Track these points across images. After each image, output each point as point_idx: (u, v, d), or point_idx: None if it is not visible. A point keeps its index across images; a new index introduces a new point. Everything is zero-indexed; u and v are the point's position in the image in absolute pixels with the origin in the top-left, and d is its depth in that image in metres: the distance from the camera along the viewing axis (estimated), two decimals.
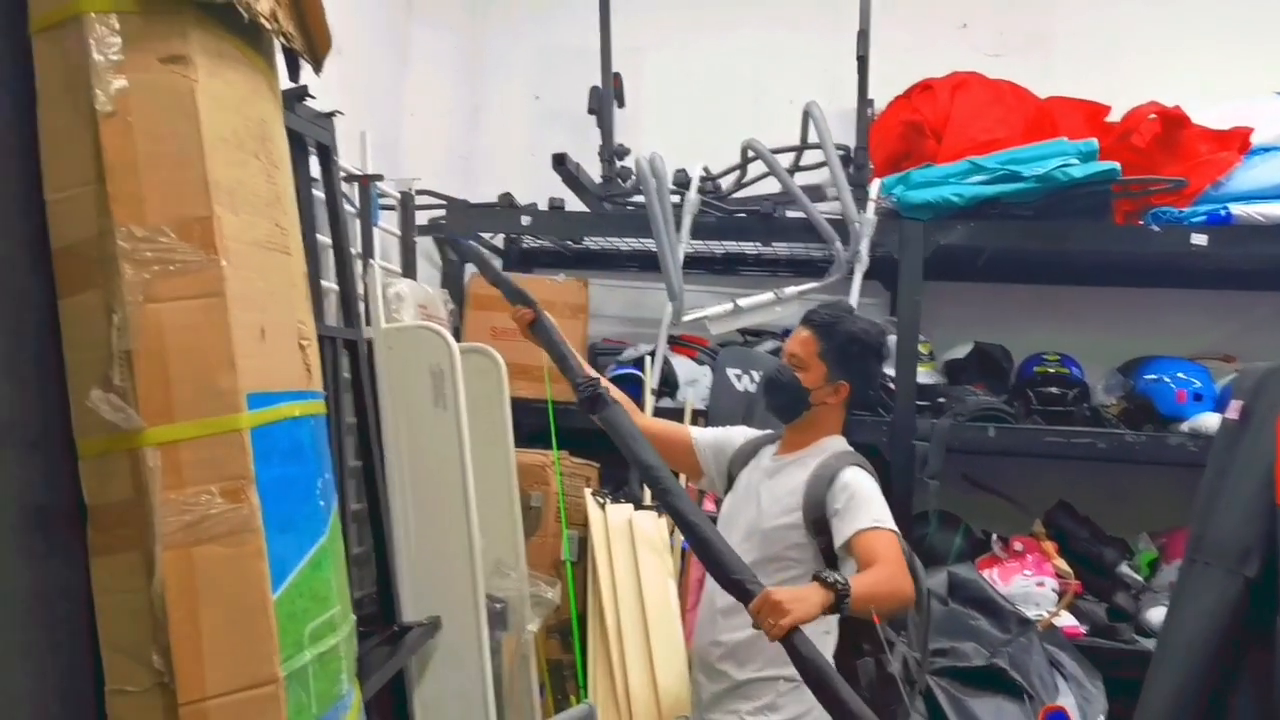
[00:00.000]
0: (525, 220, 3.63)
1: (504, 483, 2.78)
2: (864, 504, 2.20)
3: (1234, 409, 2.50)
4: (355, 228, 2.73)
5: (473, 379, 2.67)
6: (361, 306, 2.49)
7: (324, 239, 2.39)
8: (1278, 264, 3.41)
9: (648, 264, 3.98)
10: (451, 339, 2.50)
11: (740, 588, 1.90)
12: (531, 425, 3.37)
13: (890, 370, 3.53)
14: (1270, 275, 3.43)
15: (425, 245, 3.81)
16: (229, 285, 1.21)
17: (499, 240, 4.11)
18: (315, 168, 2.36)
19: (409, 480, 2.46)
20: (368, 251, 2.66)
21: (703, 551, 1.98)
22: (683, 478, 2.76)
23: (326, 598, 1.39)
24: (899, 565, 2.09)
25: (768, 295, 3.57)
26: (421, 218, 3.70)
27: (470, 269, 3.82)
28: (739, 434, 2.63)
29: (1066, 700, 2.85)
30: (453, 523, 2.46)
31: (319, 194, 2.38)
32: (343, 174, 2.56)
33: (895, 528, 2.19)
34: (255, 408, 1.25)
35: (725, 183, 3.72)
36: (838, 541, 2.19)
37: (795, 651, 1.84)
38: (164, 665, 1.15)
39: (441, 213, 3.67)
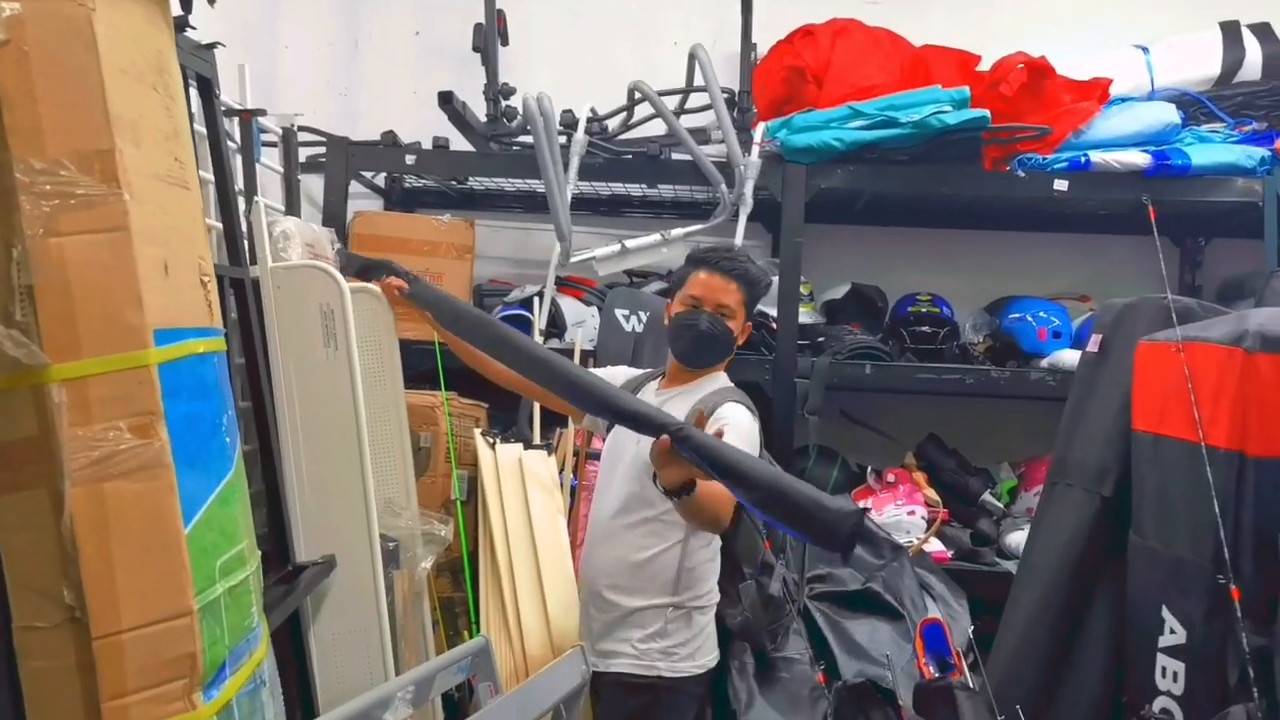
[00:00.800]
0: (409, 159, 3.58)
1: (394, 423, 2.77)
2: (731, 432, 2.19)
3: (1094, 342, 2.68)
4: (237, 164, 2.66)
5: (361, 319, 2.64)
6: (246, 245, 2.44)
7: (206, 175, 2.33)
8: (1132, 209, 3.62)
9: (534, 205, 3.98)
10: (341, 278, 2.46)
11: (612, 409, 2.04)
12: (419, 367, 3.36)
13: (773, 310, 3.64)
14: (1125, 220, 3.64)
15: (306, 184, 3.73)
16: (132, 220, 1.20)
17: (381, 179, 4.05)
18: (195, 101, 2.29)
19: (300, 421, 2.44)
20: (251, 189, 2.60)
21: (560, 380, 2.11)
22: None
23: (235, 533, 1.40)
24: (727, 497, 2.12)
25: (654, 237, 3.62)
26: (301, 155, 3.62)
27: (354, 207, 3.76)
28: (620, 373, 2.67)
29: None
30: (345, 463, 2.44)
31: (200, 129, 2.31)
32: (223, 108, 2.49)
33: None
34: (162, 344, 1.24)
35: (612, 124, 3.74)
36: None
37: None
38: (75, 600, 1.14)
39: (322, 150, 3.59)
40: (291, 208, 2.95)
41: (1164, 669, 2.21)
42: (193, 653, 1.23)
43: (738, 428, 2.27)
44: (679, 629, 2.32)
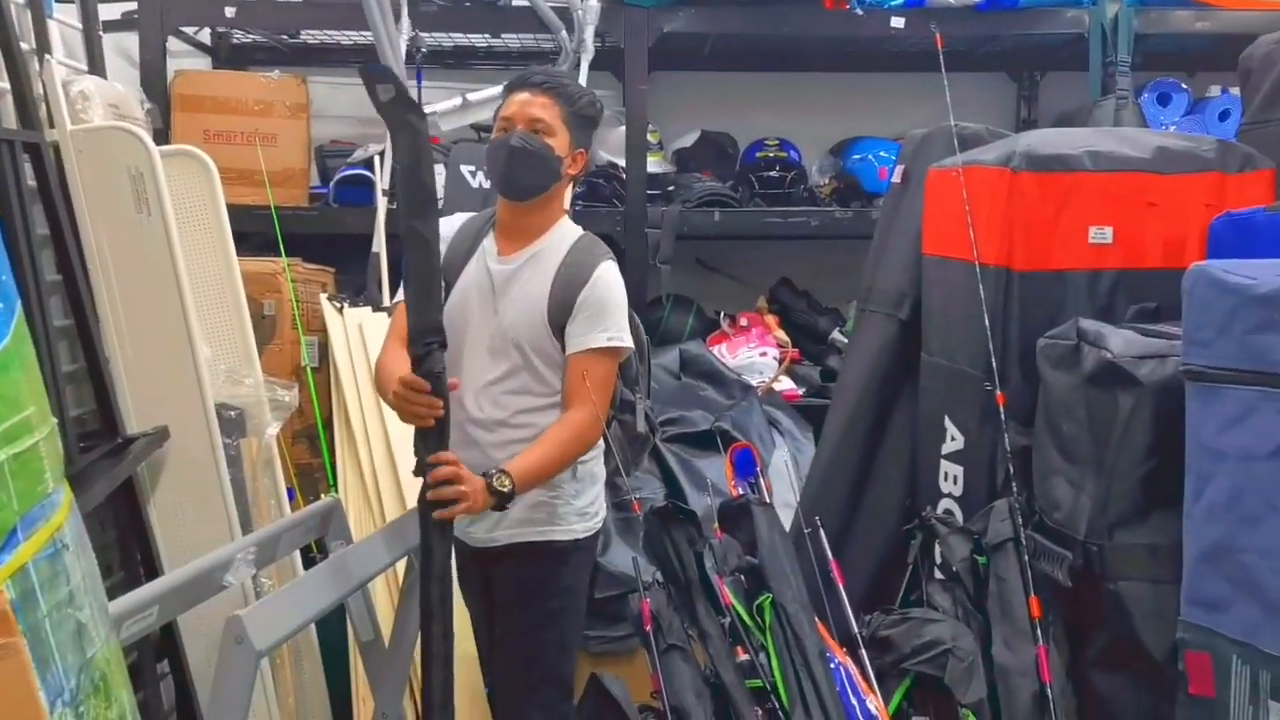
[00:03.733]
0: (229, 11, 3.38)
1: (228, 291, 2.69)
2: (605, 315, 2.08)
3: (898, 173, 2.77)
4: (27, 21, 2.47)
5: (181, 184, 2.54)
6: (43, 108, 2.29)
7: None
8: (968, 45, 3.67)
9: (372, 59, 3.82)
10: (149, 139, 2.35)
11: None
12: (260, 233, 3.26)
13: (621, 160, 3.62)
14: (965, 57, 3.69)
15: (122, 43, 3.50)
16: None
17: (205, 35, 3.83)
18: None
19: (118, 291, 2.35)
20: (43, 46, 2.42)
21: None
22: None
23: (17, 400, 1.36)
24: (590, 419, 2.05)
25: (498, 89, 3.51)
26: (113, 12, 3.39)
27: (180, 65, 3.55)
28: (456, 221, 2.31)
29: (781, 452, 3.17)
30: (171, 331, 2.38)
31: None
32: None
33: (626, 339, 2.11)
34: None
35: None
36: (567, 349, 2.09)
37: (429, 537, 1.92)
38: None
39: (133, 5, 3.36)
40: (95, 67, 2.77)
41: (946, 473, 2.40)
42: None
43: (606, 299, 2.09)
44: (579, 489, 2.18)
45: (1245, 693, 1.61)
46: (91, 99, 2.37)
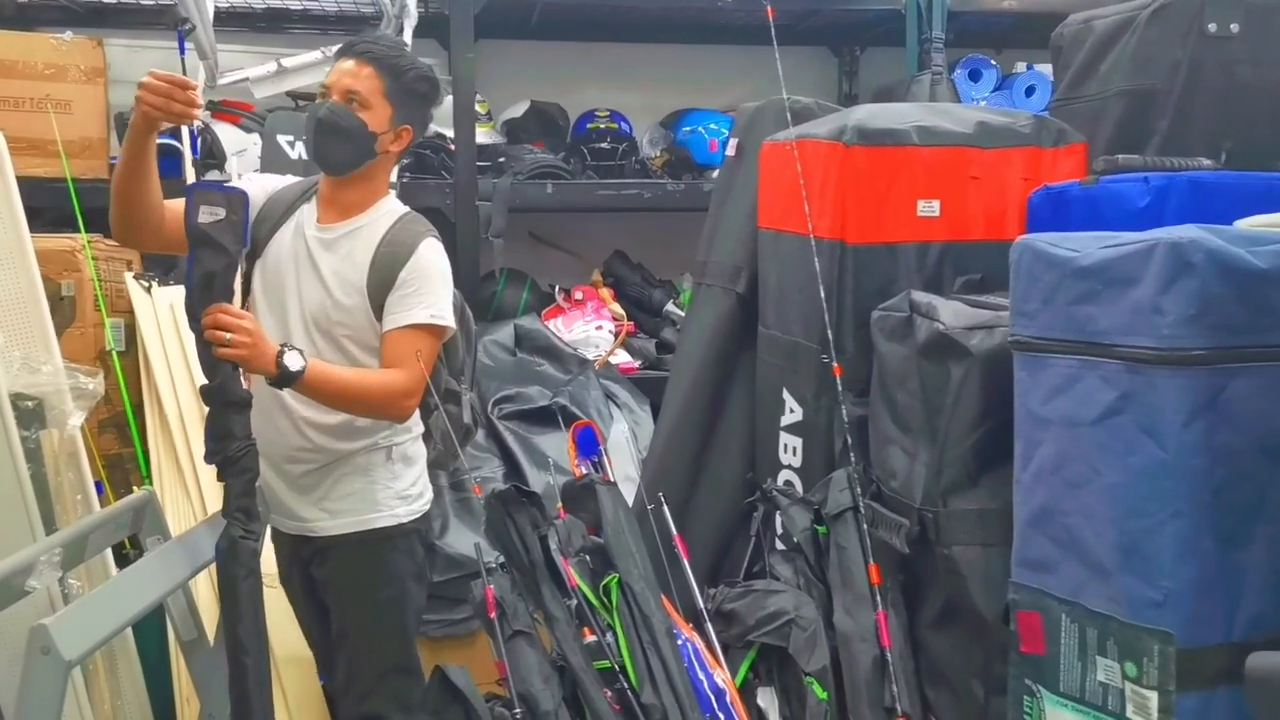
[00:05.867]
0: None
1: (20, 271, 2.47)
2: (428, 292, 2.00)
3: (732, 146, 2.79)
4: None
5: None
6: None
7: None
8: (795, 19, 3.72)
9: (177, 21, 3.57)
10: None
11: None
12: (55, 208, 3.01)
13: (449, 131, 3.51)
14: (791, 30, 3.73)
15: None
16: None
17: None
18: None
19: None
20: None
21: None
22: None
23: None
24: (406, 384, 1.96)
25: (315, 54, 3.36)
26: None
27: None
28: (265, 182, 2.18)
29: (619, 426, 3.17)
30: None
31: None
32: None
33: (449, 319, 2.04)
34: None
35: None
36: (384, 327, 1.99)
37: (216, 390, 1.78)
38: None
39: None
40: None
41: (785, 445, 2.44)
42: None
43: (427, 275, 2.00)
44: (404, 470, 2.10)
45: (1075, 650, 1.69)
46: None
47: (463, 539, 2.65)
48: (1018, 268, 1.81)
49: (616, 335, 3.62)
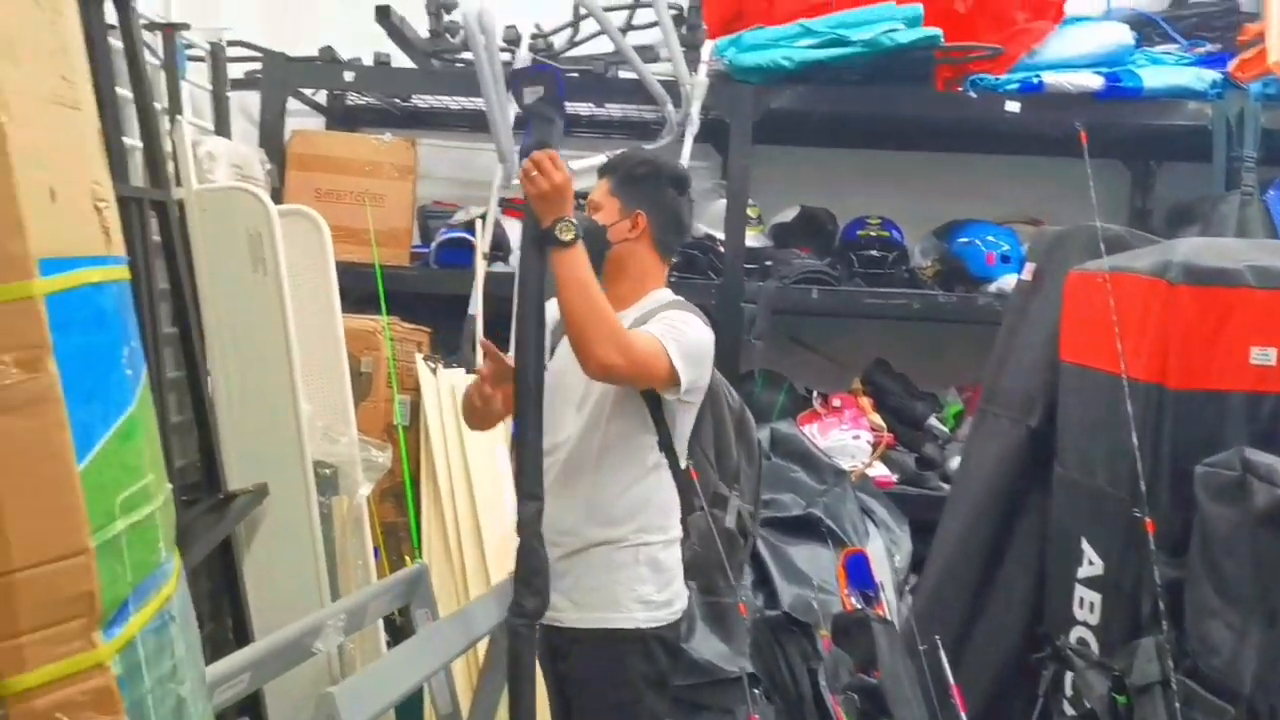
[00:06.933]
0: (349, 76, 3.48)
1: (331, 348, 2.72)
2: (670, 328, 2.05)
3: (1028, 270, 2.67)
4: (161, 82, 2.55)
5: (294, 242, 2.58)
6: (170, 166, 2.35)
7: (125, 93, 2.23)
8: (1092, 132, 3.58)
9: (480, 124, 3.87)
10: (269, 201, 2.39)
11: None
12: (360, 290, 3.30)
13: (719, 233, 3.60)
14: (1076, 142, 3.59)
15: (243, 102, 3.61)
16: (11, 143, 1.12)
17: (321, 97, 3.92)
18: (111, 15, 2.18)
19: (229, 347, 2.39)
20: (174, 107, 2.50)
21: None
22: None
23: (138, 468, 1.35)
24: (627, 337, 1.98)
25: (599, 158, 3.54)
26: (236, 71, 3.49)
27: (295, 124, 3.64)
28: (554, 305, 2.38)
29: (876, 544, 3.06)
30: (277, 389, 2.40)
31: (118, 44, 2.21)
32: (143, 22, 2.38)
33: (679, 363, 2.02)
34: (49, 274, 1.17)
35: (557, 41, 3.63)
36: None
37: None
38: None
39: (257, 66, 3.46)
40: (221, 127, 2.85)
41: (1081, 599, 2.24)
42: (90, 591, 1.19)
43: (671, 318, 2.07)
44: (649, 574, 2.11)
45: None
46: (217, 159, 2.43)
47: (709, 645, 2.62)
48: None
49: (875, 447, 3.54)
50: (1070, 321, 2.43)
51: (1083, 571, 2.26)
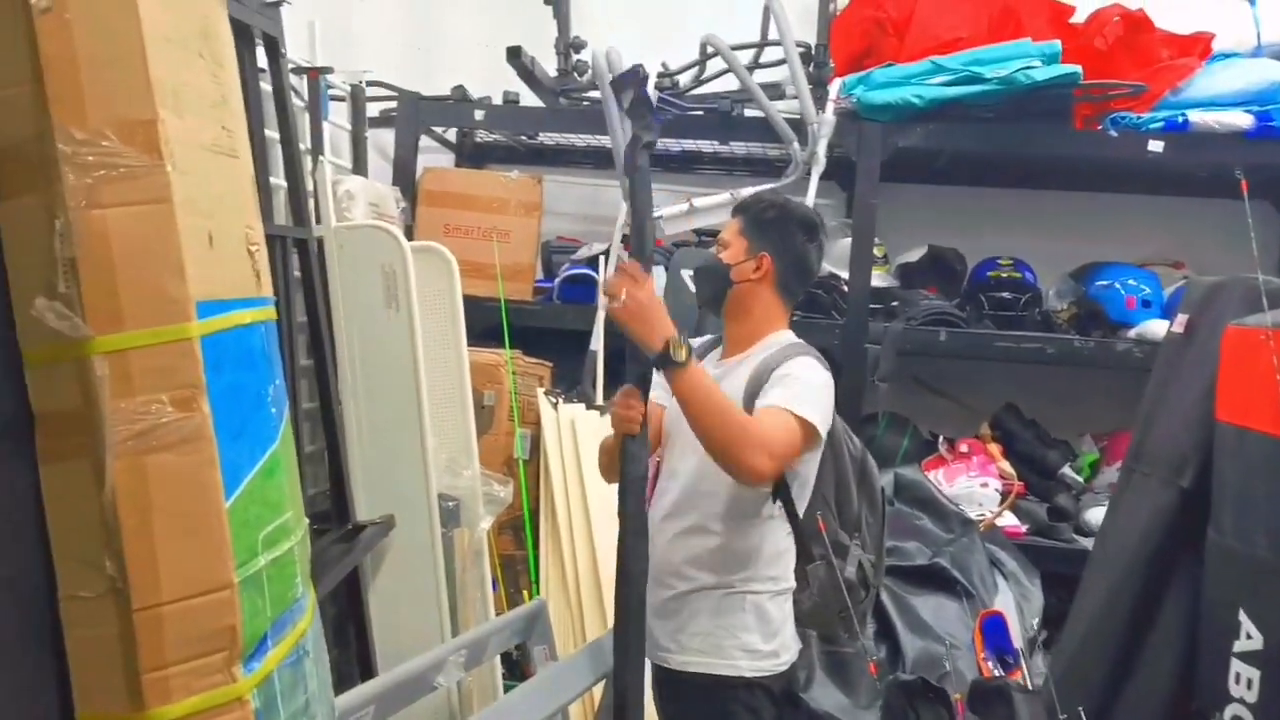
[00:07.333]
0: (479, 114, 3.55)
1: (456, 382, 2.77)
2: (793, 384, 2.01)
3: (1180, 322, 2.53)
4: (304, 122, 2.65)
5: (424, 277, 2.64)
6: (311, 204, 2.44)
7: (272, 134, 2.32)
8: (1230, 171, 3.42)
9: (603, 161, 3.93)
10: (403, 238, 2.45)
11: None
12: (484, 324, 3.35)
13: (844, 273, 3.55)
14: (1223, 183, 3.45)
15: (378, 139, 3.72)
16: (175, 191, 1.17)
17: (452, 134, 4.02)
18: (262, 60, 2.28)
19: (361, 380, 2.45)
20: (317, 148, 2.59)
21: None
22: None
23: (279, 504, 1.39)
24: (764, 435, 1.91)
25: (724, 195, 3.53)
26: (372, 110, 3.61)
27: (425, 161, 3.73)
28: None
29: (1005, 598, 2.94)
30: (405, 422, 2.45)
31: (266, 87, 2.30)
32: (290, 66, 2.48)
33: (813, 418, 1.98)
34: (205, 316, 1.22)
35: (683, 79, 3.65)
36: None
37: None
38: (117, 572, 1.14)
39: (393, 105, 3.57)
40: (359, 166, 2.94)
41: (1238, 675, 2.08)
42: (233, 625, 1.23)
43: (795, 375, 2.02)
44: (755, 622, 2.08)
45: None
46: (355, 198, 2.51)
47: (829, 695, 2.56)
48: None
49: (1005, 495, 3.42)
50: (1228, 379, 2.27)
51: (1239, 645, 2.10)
